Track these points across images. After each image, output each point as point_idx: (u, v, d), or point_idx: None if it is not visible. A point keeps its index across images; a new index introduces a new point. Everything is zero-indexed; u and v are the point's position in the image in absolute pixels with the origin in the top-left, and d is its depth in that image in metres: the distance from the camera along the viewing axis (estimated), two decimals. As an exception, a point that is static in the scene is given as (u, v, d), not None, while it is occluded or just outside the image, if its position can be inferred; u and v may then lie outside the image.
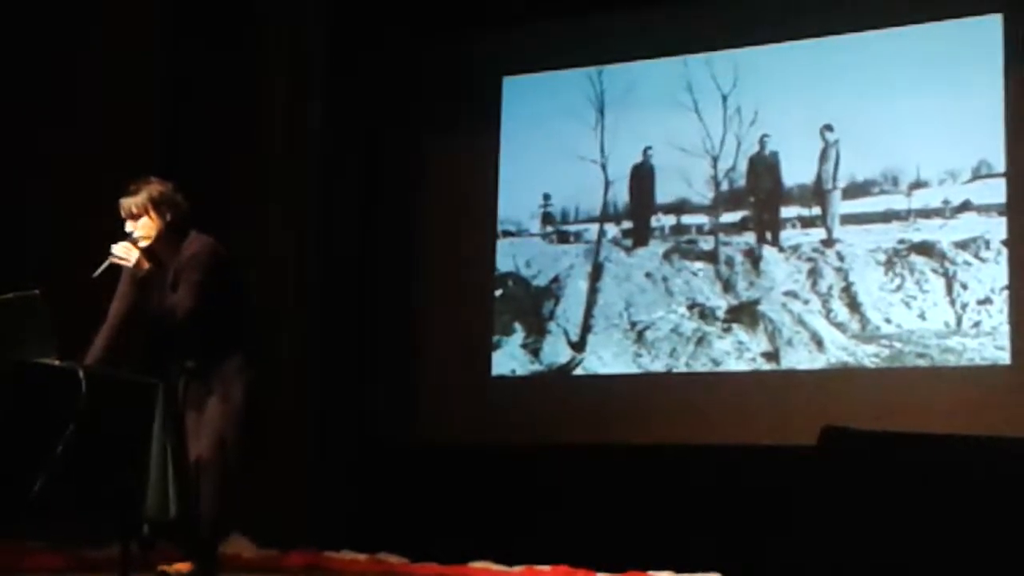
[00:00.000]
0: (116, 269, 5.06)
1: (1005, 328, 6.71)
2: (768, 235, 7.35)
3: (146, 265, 5.04)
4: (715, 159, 7.51)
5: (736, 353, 7.30)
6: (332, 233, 8.20)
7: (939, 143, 6.94)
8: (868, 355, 7.00)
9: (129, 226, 5.08)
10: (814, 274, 7.19)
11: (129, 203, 5.07)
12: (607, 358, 7.64)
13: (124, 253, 5.02)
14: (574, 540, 6.95)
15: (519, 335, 7.93)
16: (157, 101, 7.74)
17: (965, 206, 6.89)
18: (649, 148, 7.70)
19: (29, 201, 7.34)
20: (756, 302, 7.30)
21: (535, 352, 7.86)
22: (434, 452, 7.80)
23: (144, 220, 5.07)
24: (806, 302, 7.19)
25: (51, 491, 4.37)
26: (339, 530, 7.55)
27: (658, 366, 7.49)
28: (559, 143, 7.89)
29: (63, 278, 5.23)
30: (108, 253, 5.02)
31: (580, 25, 7.95)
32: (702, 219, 7.53)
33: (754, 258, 7.36)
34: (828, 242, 7.20)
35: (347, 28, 8.32)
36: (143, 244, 5.05)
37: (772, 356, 7.22)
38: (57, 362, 4.53)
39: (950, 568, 3.89)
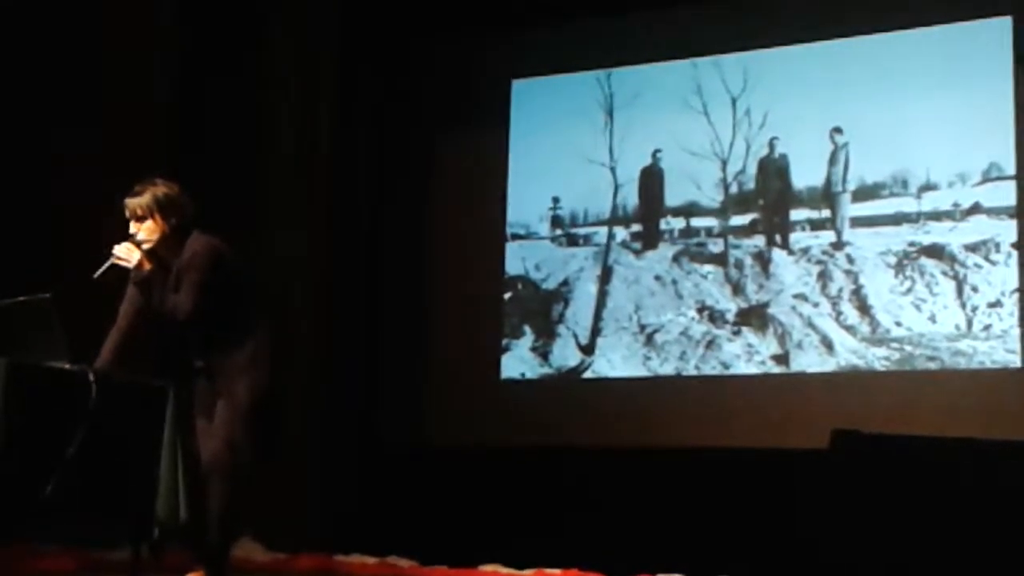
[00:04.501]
0: (122, 270, 5.05)
1: (1016, 331, 6.70)
2: (778, 238, 7.35)
3: (147, 267, 5.00)
4: (724, 162, 7.50)
5: (746, 356, 7.30)
6: (341, 235, 8.20)
7: (949, 145, 6.93)
8: (878, 358, 6.99)
9: (133, 227, 5.05)
10: (824, 277, 7.19)
11: (134, 204, 5.04)
12: (616, 361, 7.64)
13: (126, 254, 4.98)
14: (584, 543, 6.94)
15: (528, 338, 7.93)
16: (161, 102, 7.74)
17: (975, 209, 6.88)
18: (658, 151, 7.70)
19: (31, 201, 7.34)
20: (766, 305, 7.30)
21: (544, 355, 7.85)
22: (443, 455, 7.80)
23: (148, 223, 5.03)
24: (816, 305, 7.18)
25: (62, 494, 4.37)
26: (349, 533, 7.55)
27: (667, 369, 7.48)
28: (568, 146, 7.89)
29: (67, 279, 5.21)
30: (110, 254, 5.00)
31: (589, 28, 7.95)
32: (711, 222, 7.53)
33: (764, 261, 7.36)
34: (838, 245, 7.19)
35: (357, 30, 8.32)
36: (145, 247, 5.03)
37: (782, 359, 7.21)
38: (68, 365, 4.53)
39: (959, 569, 3.90)
